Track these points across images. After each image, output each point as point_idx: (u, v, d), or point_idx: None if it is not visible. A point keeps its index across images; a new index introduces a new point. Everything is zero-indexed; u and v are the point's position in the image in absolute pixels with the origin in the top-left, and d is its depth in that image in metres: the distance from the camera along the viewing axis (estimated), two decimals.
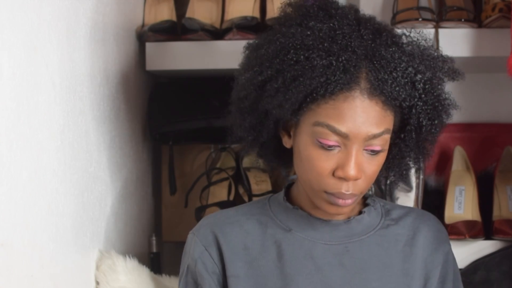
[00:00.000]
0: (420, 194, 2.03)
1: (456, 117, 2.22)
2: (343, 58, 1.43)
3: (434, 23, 1.99)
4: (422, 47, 1.52)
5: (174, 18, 2.14)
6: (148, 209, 2.19)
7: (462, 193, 2.09)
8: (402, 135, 1.52)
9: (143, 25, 2.14)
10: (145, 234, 2.14)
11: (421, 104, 1.48)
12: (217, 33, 2.11)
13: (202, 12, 2.16)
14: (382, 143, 1.46)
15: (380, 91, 1.44)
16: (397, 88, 1.45)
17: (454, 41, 1.98)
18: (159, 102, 2.13)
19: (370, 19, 1.53)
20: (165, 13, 2.15)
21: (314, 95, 1.44)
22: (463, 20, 1.99)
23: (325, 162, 1.45)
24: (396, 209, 1.63)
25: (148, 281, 1.85)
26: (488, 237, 2.00)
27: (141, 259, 1.91)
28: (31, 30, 1.44)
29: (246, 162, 2.16)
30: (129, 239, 2.01)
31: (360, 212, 1.59)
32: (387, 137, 1.47)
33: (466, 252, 1.98)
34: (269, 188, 2.11)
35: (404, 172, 1.62)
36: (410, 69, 1.47)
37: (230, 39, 2.05)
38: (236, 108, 1.56)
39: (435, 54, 1.53)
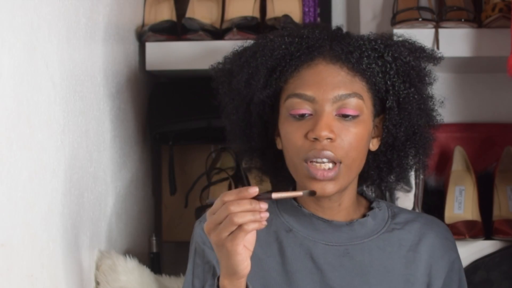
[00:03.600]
0: (420, 194, 2.03)
1: (456, 117, 2.24)
2: (309, 37, 1.52)
3: (434, 23, 1.99)
4: (392, 39, 1.58)
5: (174, 18, 2.14)
6: (148, 209, 2.19)
7: (462, 193, 2.09)
8: (387, 115, 1.54)
9: (143, 25, 2.14)
10: (145, 234, 2.14)
11: (393, 73, 1.52)
12: (217, 33, 2.11)
13: (202, 12, 2.16)
14: (353, 107, 1.49)
15: (346, 58, 1.50)
16: (365, 58, 1.50)
17: (454, 41, 1.98)
18: (159, 102, 2.13)
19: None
20: (165, 13, 2.15)
21: (279, 69, 1.51)
22: (463, 20, 1.99)
23: (298, 130, 1.49)
24: (403, 213, 1.62)
25: (148, 281, 1.85)
26: (488, 237, 2.00)
27: (141, 259, 1.91)
28: (31, 30, 1.44)
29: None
30: (129, 239, 2.01)
31: (364, 215, 1.59)
32: (360, 103, 1.50)
33: (466, 252, 1.98)
34: (269, 188, 2.11)
35: (405, 166, 1.61)
36: (378, 45, 1.53)
37: (230, 39, 2.05)
38: (224, 116, 1.63)
39: (410, 42, 1.58)
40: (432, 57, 1.59)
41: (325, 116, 1.48)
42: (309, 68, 1.51)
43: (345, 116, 1.49)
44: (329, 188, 1.50)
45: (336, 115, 1.49)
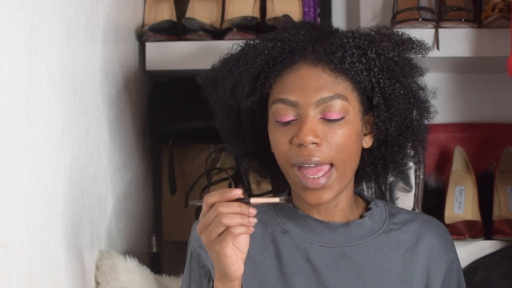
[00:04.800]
0: (420, 194, 2.03)
1: (456, 117, 2.24)
2: (290, 40, 1.51)
3: (434, 23, 1.99)
4: (377, 32, 1.56)
5: (174, 18, 2.14)
6: (148, 209, 2.19)
7: (462, 193, 2.09)
8: (376, 113, 1.53)
9: (143, 25, 2.14)
10: (145, 234, 2.14)
11: (377, 70, 1.51)
12: (217, 33, 2.11)
13: (202, 12, 2.16)
14: (337, 110, 1.47)
15: (328, 59, 1.48)
16: (348, 58, 1.49)
17: (454, 41, 1.98)
18: (159, 102, 2.13)
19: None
20: (165, 13, 2.15)
21: (263, 75, 1.50)
22: (463, 20, 1.99)
23: (283, 136, 1.49)
24: (401, 214, 1.61)
25: (148, 281, 1.85)
26: (488, 237, 2.00)
27: (141, 259, 1.91)
28: (31, 30, 1.44)
29: None
30: (129, 239, 2.01)
31: (361, 216, 1.58)
32: (344, 104, 1.48)
33: (466, 252, 1.98)
34: (269, 188, 2.11)
35: (400, 161, 1.61)
36: (361, 43, 1.51)
37: (230, 39, 2.05)
38: (217, 124, 1.64)
39: (400, 36, 1.57)
40: (420, 48, 1.58)
41: (309, 120, 1.46)
42: (291, 72, 1.50)
43: (329, 120, 1.48)
44: (325, 196, 1.49)
45: (320, 118, 1.48)
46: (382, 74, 1.51)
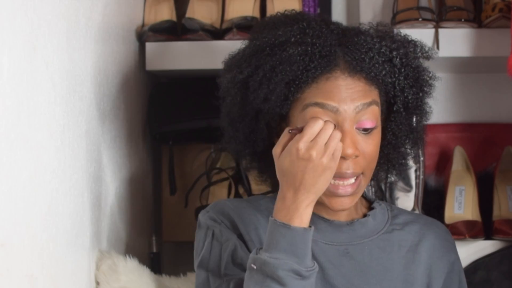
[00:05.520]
0: (420, 194, 2.03)
1: (456, 117, 2.24)
2: (317, 45, 1.49)
3: (434, 23, 1.99)
4: (392, 33, 1.56)
5: (174, 18, 2.14)
6: (148, 209, 2.18)
7: (462, 193, 2.09)
8: (393, 118, 1.54)
9: (143, 25, 2.14)
10: (145, 234, 2.14)
11: (402, 78, 1.52)
12: (217, 33, 2.11)
13: (202, 12, 2.16)
14: (372, 117, 1.48)
15: (361, 69, 1.48)
16: (376, 65, 1.49)
17: (454, 41, 1.98)
18: (159, 102, 2.13)
19: (338, 23, 1.60)
20: (165, 13, 2.15)
21: (297, 82, 1.48)
22: (463, 20, 1.99)
23: None
24: (403, 214, 1.63)
25: (149, 281, 1.85)
26: (488, 237, 2.00)
27: (141, 259, 1.91)
28: (31, 30, 1.44)
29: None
30: (129, 239, 2.01)
31: (364, 215, 1.59)
32: (377, 110, 1.49)
33: (466, 252, 1.98)
34: (269, 187, 2.11)
35: (402, 161, 1.61)
36: (384, 48, 1.51)
37: (230, 39, 2.06)
38: (227, 121, 1.61)
39: (405, 38, 1.57)
40: (427, 54, 1.58)
41: (349, 132, 1.47)
42: (328, 81, 1.48)
43: (364, 130, 1.48)
44: (349, 203, 1.51)
45: (356, 128, 1.48)
46: (406, 83, 1.53)
